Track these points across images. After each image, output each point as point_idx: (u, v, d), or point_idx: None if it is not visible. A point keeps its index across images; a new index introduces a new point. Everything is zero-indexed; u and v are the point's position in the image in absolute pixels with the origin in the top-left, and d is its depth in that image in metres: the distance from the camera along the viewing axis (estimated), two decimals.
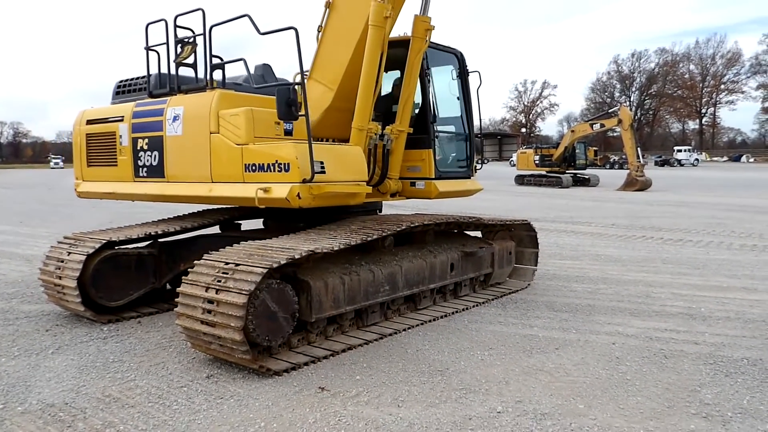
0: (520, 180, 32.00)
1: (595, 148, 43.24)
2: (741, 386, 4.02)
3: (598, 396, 3.88)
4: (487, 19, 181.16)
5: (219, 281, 4.21)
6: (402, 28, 6.17)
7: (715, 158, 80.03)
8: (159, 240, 6.17)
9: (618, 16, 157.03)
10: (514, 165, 42.72)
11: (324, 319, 4.90)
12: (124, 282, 5.83)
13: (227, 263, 4.33)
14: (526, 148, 36.44)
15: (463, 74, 6.89)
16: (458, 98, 6.91)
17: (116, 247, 5.85)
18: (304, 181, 4.75)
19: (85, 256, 5.43)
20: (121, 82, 6.68)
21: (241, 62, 5.45)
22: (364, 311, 5.32)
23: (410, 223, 5.62)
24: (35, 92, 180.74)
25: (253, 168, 5.02)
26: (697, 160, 65.86)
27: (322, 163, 4.93)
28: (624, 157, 36.96)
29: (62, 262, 5.60)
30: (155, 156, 5.83)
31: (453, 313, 5.96)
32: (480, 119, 7.06)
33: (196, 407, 3.73)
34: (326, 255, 4.76)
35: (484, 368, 4.41)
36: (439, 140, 6.51)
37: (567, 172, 30.40)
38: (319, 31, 6.23)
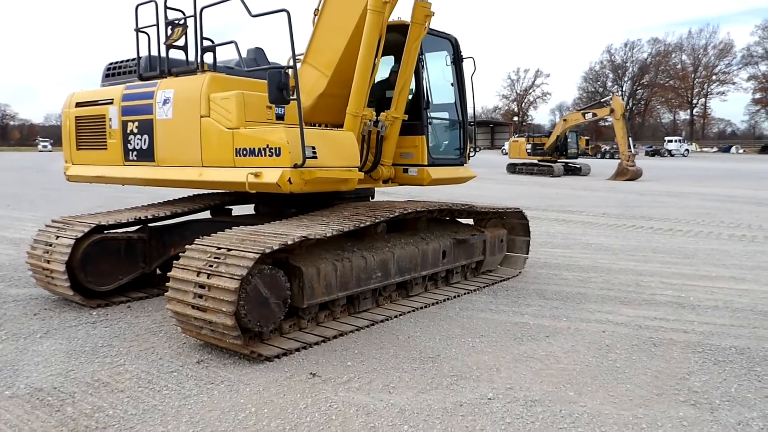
0: (512, 168, 32.03)
1: (586, 138, 43.35)
2: (729, 374, 4.06)
3: (588, 383, 3.90)
4: (480, 5, 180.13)
5: (211, 266, 4.17)
6: (396, 12, 6.10)
7: (705, 149, 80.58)
8: (149, 225, 6.12)
9: (612, 6, 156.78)
10: (506, 153, 42.76)
11: (316, 305, 4.89)
12: (113, 266, 5.77)
13: (219, 248, 4.29)
14: (518, 137, 36.45)
15: (457, 60, 6.83)
16: (452, 85, 6.86)
17: (105, 231, 5.79)
18: (295, 166, 4.70)
19: (73, 240, 5.37)
20: (111, 64, 6.58)
21: (232, 45, 5.37)
22: (355, 297, 5.30)
23: (403, 210, 5.59)
24: (23, 74, 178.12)
25: (244, 152, 4.96)
26: (687, 150, 66.24)
27: (313, 148, 4.89)
28: (615, 146, 37.08)
29: (50, 246, 5.53)
30: (145, 140, 5.75)
31: (445, 300, 5.96)
32: (474, 106, 7.02)
33: (187, 392, 3.71)
34: (319, 241, 4.73)
35: (475, 355, 4.42)
36: (432, 127, 6.48)
37: (559, 161, 30.43)
38: (315, 15, 6.14)
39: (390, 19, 5.99)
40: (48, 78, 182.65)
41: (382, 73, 6.56)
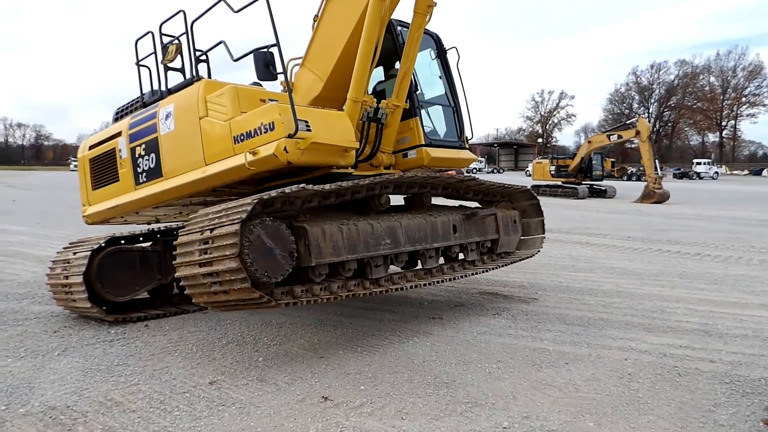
0: (536, 190, 31.69)
1: (612, 160, 42.82)
2: (758, 407, 3.88)
3: (608, 414, 3.76)
4: (505, 29, 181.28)
5: (213, 221, 4.22)
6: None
7: (735, 171, 78.86)
8: (163, 237, 6.24)
9: (638, 28, 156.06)
10: (529, 175, 42.46)
11: (325, 266, 4.82)
12: (130, 278, 5.93)
13: (219, 210, 4.36)
14: (542, 159, 36.18)
15: (441, 54, 6.96)
16: (440, 77, 6.97)
17: (121, 243, 5.98)
18: (289, 136, 4.75)
19: (89, 252, 5.57)
20: (118, 109, 6.84)
21: (222, 45, 5.44)
22: (367, 264, 5.21)
23: (402, 173, 5.56)
24: (57, 95, 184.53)
25: (242, 138, 5.05)
26: (716, 173, 64.94)
27: (306, 122, 4.94)
28: (642, 168, 36.50)
29: (68, 262, 5.70)
30: (152, 158, 5.86)
31: (463, 277, 6.07)
32: (464, 93, 7.04)
33: (197, 414, 3.69)
34: (322, 210, 4.80)
35: (491, 381, 4.32)
36: (425, 110, 6.53)
37: (583, 183, 30.10)
38: (315, 21, 6.31)
39: None
40: (81, 99, 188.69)
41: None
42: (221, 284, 4.12)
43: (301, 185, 4.48)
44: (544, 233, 7.39)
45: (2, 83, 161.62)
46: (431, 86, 6.88)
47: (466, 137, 7.04)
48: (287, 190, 4.37)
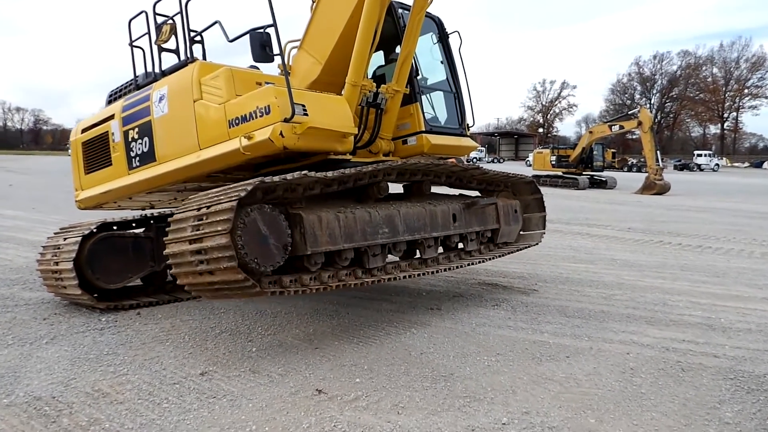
0: (536, 180, 31.46)
1: (613, 150, 42.60)
2: (764, 404, 3.77)
3: (610, 410, 3.66)
4: (507, 18, 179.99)
5: (211, 200, 4.09)
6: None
7: (736, 164, 78.61)
8: (156, 224, 6.12)
9: (641, 18, 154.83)
10: (530, 165, 42.30)
11: (321, 255, 4.69)
12: (121, 265, 5.81)
13: (219, 189, 4.23)
14: (542, 149, 35.98)
15: (443, 38, 6.78)
16: (441, 62, 6.79)
17: (113, 228, 5.86)
18: (285, 120, 4.60)
19: (80, 237, 5.45)
20: (111, 91, 6.67)
21: (217, 25, 5.27)
22: (364, 253, 5.08)
23: (404, 160, 5.42)
24: (56, 79, 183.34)
25: (237, 121, 4.90)
26: (717, 165, 64.71)
27: (303, 106, 4.79)
28: (643, 159, 36.36)
29: (59, 248, 5.58)
30: (146, 142, 5.71)
31: (458, 267, 5.96)
32: (466, 79, 6.86)
33: (187, 406, 3.58)
34: (319, 197, 4.68)
35: (490, 375, 4.21)
36: (425, 95, 6.37)
37: (584, 173, 29.93)
38: (313, 2, 6.15)
39: None
40: (80, 84, 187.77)
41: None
42: (208, 262, 3.96)
43: (303, 172, 4.34)
44: (544, 229, 7.27)
45: (0, 67, 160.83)
46: (432, 71, 6.70)
47: (468, 124, 6.89)
48: (289, 176, 4.22)
